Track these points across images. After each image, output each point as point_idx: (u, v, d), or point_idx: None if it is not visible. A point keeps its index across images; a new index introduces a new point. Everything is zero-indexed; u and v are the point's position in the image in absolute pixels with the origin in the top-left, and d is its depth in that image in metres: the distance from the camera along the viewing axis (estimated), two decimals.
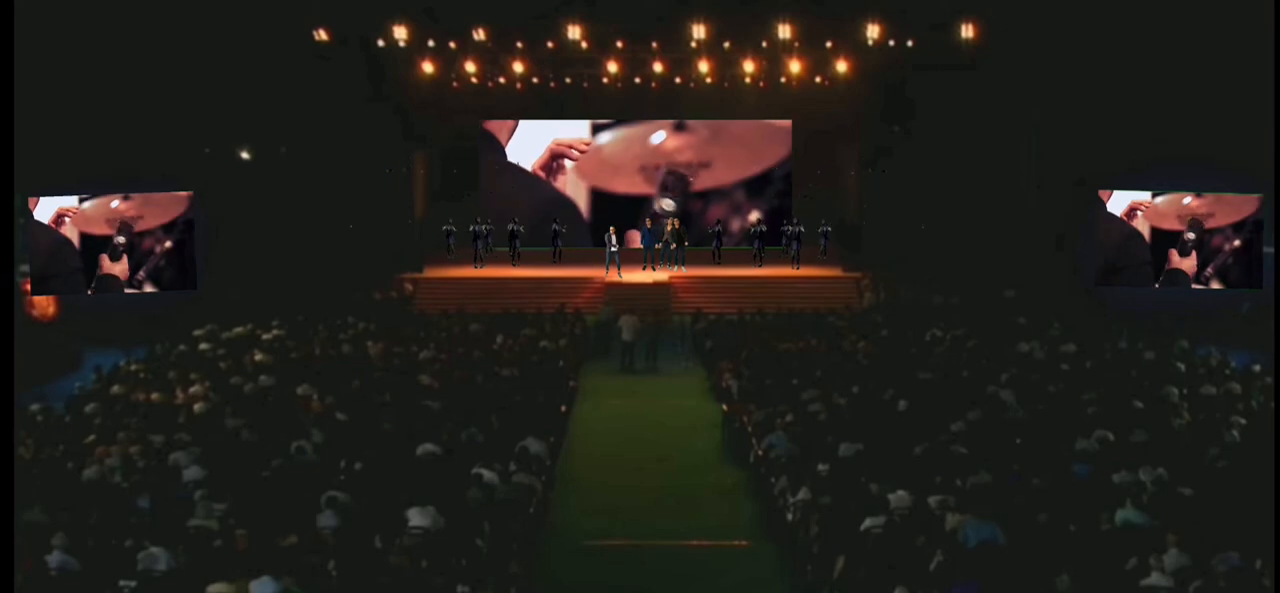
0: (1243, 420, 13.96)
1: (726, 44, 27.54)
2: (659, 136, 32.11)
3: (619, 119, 31.84)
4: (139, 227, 23.93)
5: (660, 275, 27.89)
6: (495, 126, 32.12)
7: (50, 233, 23.73)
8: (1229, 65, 23.64)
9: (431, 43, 27.28)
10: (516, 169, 32.17)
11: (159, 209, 24.00)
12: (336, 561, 9.30)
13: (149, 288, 24.02)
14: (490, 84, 29.43)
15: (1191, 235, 23.23)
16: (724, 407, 16.95)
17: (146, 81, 24.61)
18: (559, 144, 32.11)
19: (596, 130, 32.09)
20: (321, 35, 26.30)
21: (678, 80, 29.09)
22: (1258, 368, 17.06)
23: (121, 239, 23.68)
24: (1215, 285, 24.05)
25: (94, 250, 23.87)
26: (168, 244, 23.98)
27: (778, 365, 17.65)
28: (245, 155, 29.20)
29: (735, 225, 31.96)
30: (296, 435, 12.82)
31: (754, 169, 32.26)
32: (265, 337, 20.50)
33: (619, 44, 27.77)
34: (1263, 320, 21.72)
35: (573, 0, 26.42)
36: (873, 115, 28.99)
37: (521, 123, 31.95)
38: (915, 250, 27.34)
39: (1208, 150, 23.61)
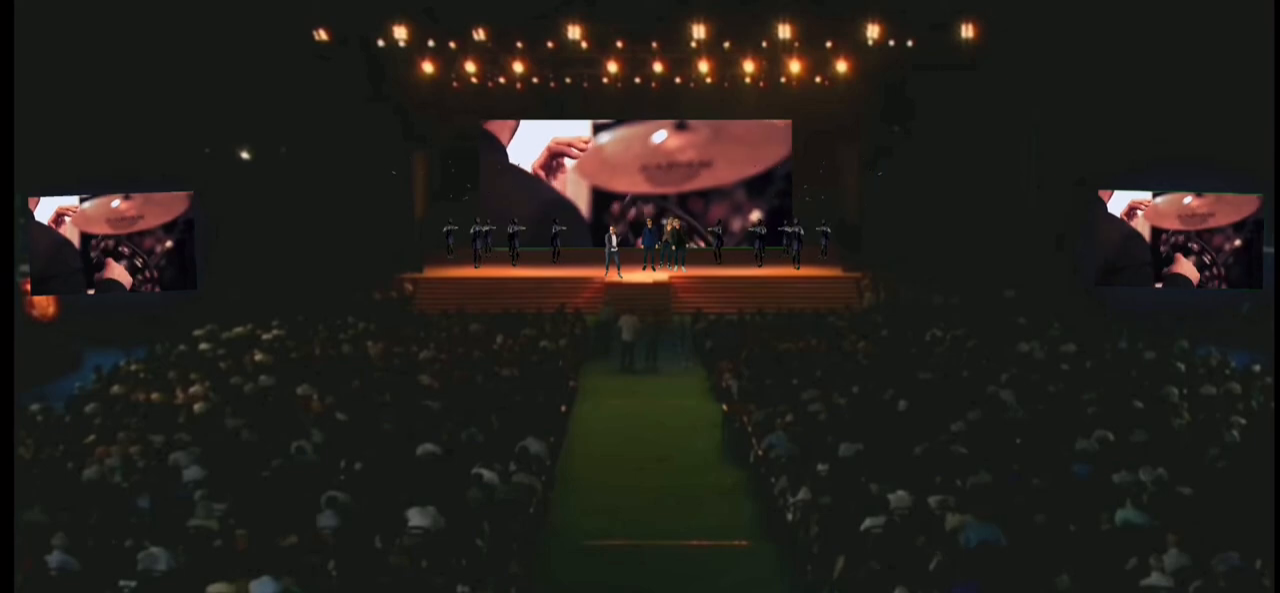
0: (1243, 421, 13.96)
1: (726, 44, 27.50)
2: (660, 136, 32.09)
3: (619, 119, 31.83)
4: (139, 226, 23.92)
5: (660, 275, 27.90)
6: (495, 127, 32.07)
7: (50, 233, 23.68)
8: (1229, 65, 23.66)
9: (431, 43, 27.24)
10: (516, 169, 32.15)
11: (159, 209, 23.93)
12: (336, 561, 9.30)
13: (149, 288, 24.03)
14: (490, 84, 29.35)
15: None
16: (724, 407, 16.95)
17: (146, 81, 24.64)
18: (559, 142, 32.08)
19: (597, 130, 32.09)
20: (321, 35, 26.28)
21: (678, 80, 29.05)
22: (1258, 368, 17.06)
23: (125, 248, 23.70)
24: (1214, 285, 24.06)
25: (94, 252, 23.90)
26: (168, 244, 23.95)
27: (778, 365, 17.66)
28: (245, 155, 29.23)
29: (736, 225, 31.96)
30: (296, 436, 12.82)
31: (754, 169, 32.20)
32: (265, 337, 20.52)
33: (619, 44, 27.74)
34: (1263, 320, 21.70)
35: (573, 0, 26.42)
36: (873, 115, 29.01)
37: (522, 123, 31.91)
38: (915, 250, 27.32)
39: (1208, 150, 23.61)
